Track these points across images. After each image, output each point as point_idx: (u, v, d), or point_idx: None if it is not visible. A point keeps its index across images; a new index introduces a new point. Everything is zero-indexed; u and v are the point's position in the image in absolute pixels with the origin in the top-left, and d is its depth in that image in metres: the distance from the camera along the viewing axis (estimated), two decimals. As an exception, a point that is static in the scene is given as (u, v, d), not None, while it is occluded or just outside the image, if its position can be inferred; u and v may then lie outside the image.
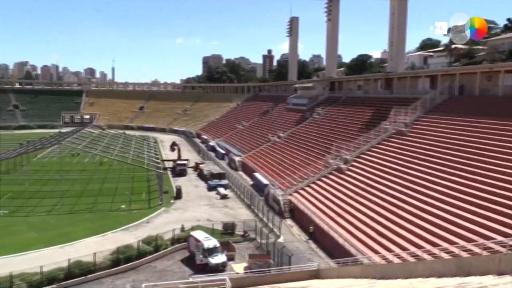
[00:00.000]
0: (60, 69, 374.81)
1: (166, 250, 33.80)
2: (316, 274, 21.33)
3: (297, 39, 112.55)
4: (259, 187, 54.68)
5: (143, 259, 31.82)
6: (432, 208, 30.65)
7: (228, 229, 38.50)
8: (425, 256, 22.23)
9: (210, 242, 31.93)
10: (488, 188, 29.37)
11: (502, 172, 30.18)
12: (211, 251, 31.25)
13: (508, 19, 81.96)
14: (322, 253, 34.24)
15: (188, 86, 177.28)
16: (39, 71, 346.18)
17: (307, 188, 46.46)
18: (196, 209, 46.71)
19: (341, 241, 32.65)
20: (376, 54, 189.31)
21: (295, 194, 46.27)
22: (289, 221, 42.71)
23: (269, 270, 25.80)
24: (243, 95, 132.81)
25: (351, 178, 42.88)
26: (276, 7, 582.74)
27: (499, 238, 22.26)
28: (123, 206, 46.54)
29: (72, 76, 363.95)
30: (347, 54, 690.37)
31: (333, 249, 33.45)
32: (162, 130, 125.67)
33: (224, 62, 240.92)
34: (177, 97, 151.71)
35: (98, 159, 67.96)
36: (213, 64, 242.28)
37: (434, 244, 25.91)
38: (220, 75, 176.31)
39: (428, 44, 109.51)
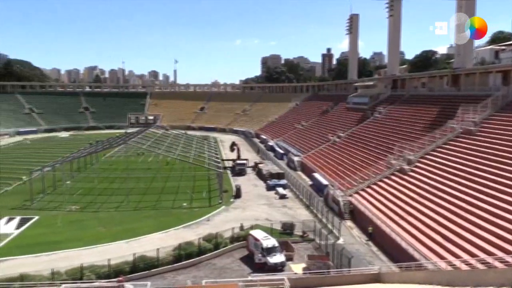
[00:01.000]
0: (126, 72, 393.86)
1: (226, 248, 34.35)
2: (377, 278, 20.91)
3: (357, 36, 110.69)
4: (318, 187, 54.16)
5: (203, 256, 32.61)
6: (504, 213, 28.74)
7: (287, 229, 38.42)
8: (497, 263, 20.97)
9: (269, 241, 32.04)
10: None
11: None
12: (270, 251, 31.33)
13: None
14: (384, 256, 33.22)
15: (247, 87, 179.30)
16: (107, 75, 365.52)
17: (368, 189, 45.32)
18: (255, 208, 47.14)
19: (404, 244, 31.48)
20: (441, 49, 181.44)
21: (356, 195, 45.31)
22: (349, 223, 41.93)
23: (328, 271, 25.53)
24: (302, 95, 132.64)
25: (415, 180, 41.23)
26: (335, 5, 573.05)
27: None
28: (184, 204, 47.97)
29: (137, 79, 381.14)
30: (410, 50, 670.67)
31: (394, 252, 32.41)
32: (222, 130, 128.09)
33: (282, 62, 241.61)
34: (236, 97, 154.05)
35: (164, 159, 70.53)
36: (272, 64, 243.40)
37: (507, 252, 24.31)
38: (279, 75, 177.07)
39: (499, 38, 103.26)
